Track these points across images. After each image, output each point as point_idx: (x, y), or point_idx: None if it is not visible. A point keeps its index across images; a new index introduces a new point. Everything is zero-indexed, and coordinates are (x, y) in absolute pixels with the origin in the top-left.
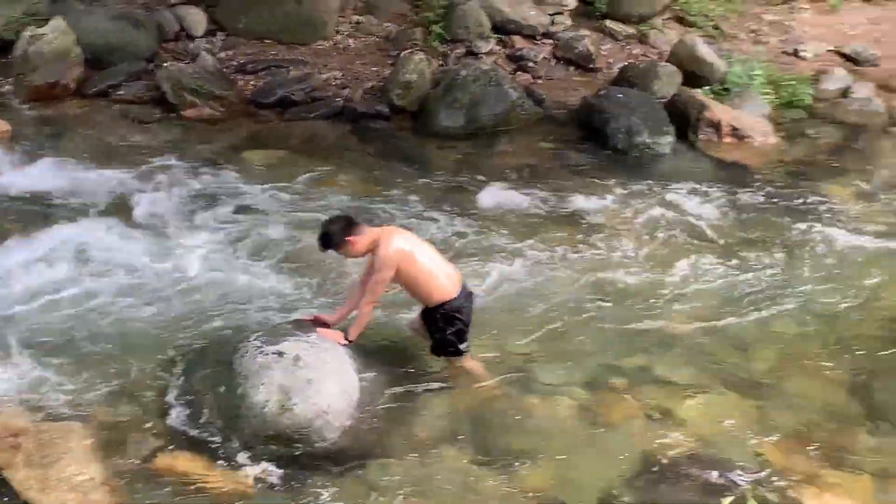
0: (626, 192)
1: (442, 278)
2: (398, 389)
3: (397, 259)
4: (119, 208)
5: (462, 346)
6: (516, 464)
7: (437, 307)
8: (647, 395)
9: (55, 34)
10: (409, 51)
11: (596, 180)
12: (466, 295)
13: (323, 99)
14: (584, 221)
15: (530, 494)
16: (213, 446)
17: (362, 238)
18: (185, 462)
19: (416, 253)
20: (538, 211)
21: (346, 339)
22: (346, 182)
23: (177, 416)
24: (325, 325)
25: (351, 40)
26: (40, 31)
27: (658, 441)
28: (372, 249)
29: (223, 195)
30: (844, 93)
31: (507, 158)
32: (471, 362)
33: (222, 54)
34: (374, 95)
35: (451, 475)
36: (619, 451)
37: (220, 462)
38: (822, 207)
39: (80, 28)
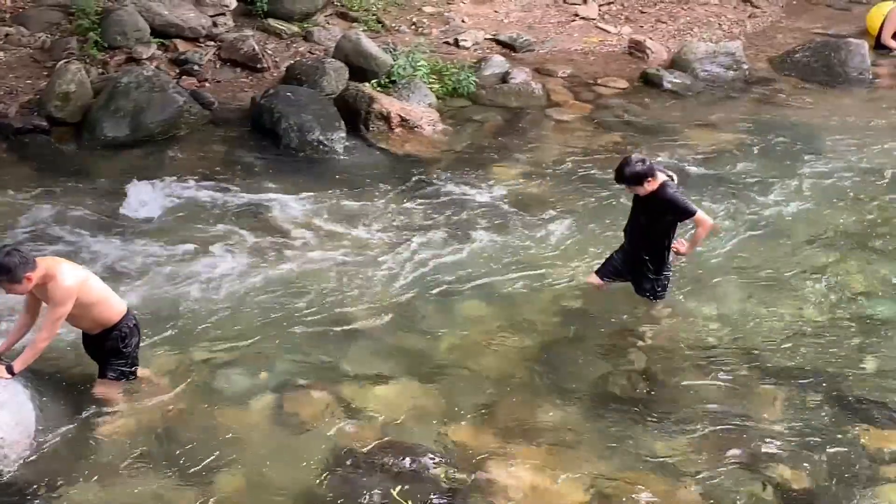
0: (298, 190)
1: (114, 296)
2: (81, 415)
3: (77, 291)
4: None
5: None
6: (209, 476)
7: (116, 325)
8: (337, 390)
9: None
10: (66, 61)
11: (267, 180)
12: None
13: None
14: (255, 221)
15: None
16: None
17: (36, 273)
18: None
19: (88, 279)
20: (211, 211)
21: (10, 372)
22: (3, 203)
23: None
24: None
25: (1, 53)
26: None
27: (351, 434)
28: (41, 284)
29: None
30: (504, 78)
31: (176, 164)
32: (147, 372)
33: None
34: (30, 109)
35: (141, 497)
36: (314, 450)
37: None
38: (489, 189)
39: None
